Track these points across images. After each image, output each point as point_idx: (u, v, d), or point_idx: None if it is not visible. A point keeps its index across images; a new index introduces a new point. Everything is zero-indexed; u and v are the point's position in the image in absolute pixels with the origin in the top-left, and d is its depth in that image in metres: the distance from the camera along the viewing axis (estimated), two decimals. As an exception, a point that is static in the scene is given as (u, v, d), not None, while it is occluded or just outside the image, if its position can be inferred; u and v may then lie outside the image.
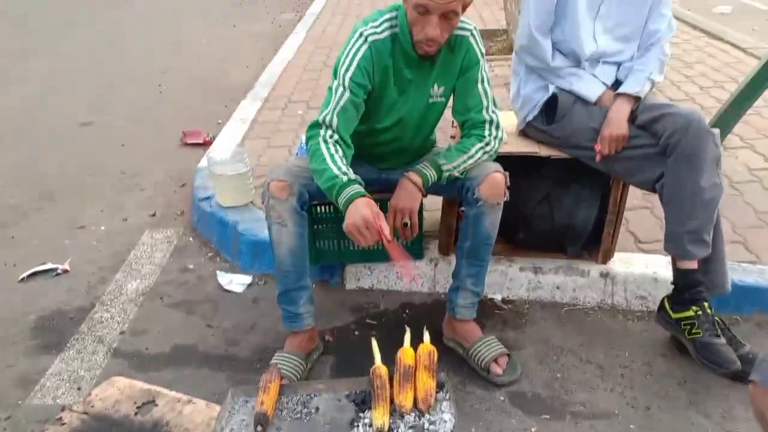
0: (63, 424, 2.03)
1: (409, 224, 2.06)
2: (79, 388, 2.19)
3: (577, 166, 2.39)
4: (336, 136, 1.97)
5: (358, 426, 1.66)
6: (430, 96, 2.12)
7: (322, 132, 1.96)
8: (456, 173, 2.09)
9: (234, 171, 2.94)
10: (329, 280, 2.69)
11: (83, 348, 2.38)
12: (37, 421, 2.05)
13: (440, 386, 1.76)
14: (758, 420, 1.42)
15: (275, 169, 2.12)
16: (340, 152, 1.94)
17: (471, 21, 2.08)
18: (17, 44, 6.75)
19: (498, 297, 2.57)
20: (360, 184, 1.88)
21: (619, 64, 2.37)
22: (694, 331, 2.10)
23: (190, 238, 3.09)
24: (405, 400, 1.68)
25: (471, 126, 2.12)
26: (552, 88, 2.36)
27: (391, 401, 1.70)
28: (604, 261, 2.54)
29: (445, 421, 1.64)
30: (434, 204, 2.64)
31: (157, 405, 2.08)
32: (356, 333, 2.41)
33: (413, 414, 1.67)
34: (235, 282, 2.72)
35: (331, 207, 2.42)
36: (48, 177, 3.74)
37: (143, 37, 7.11)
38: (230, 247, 2.89)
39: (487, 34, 5.97)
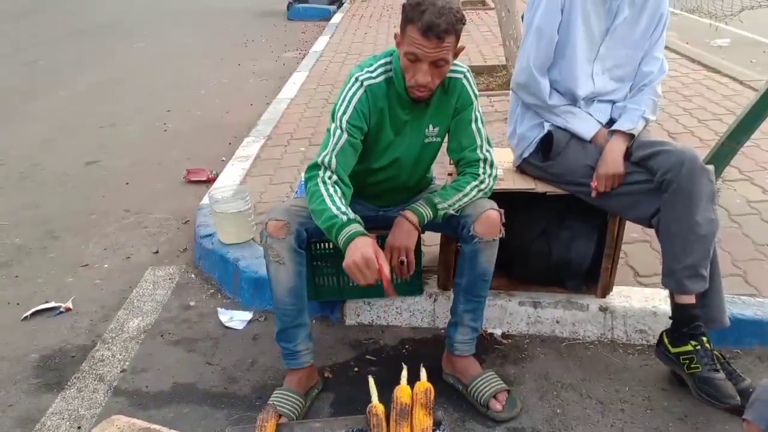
0: (62, 464, 2.03)
1: (405, 262, 2.08)
2: (79, 428, 2.19)
3: (574, 202, 2.41)
4: (335, 177, 2.00)
5: (354, 464, 1.67)
6: (425, 136, 2.16)
7: (320, 173, 2.00)
8: (451, 211, 2.12)
9: (235, 209, 2.98)
10: (329, 316, 2.70)
11: (84, 386, 2.39)
12: (37, 461, 2.05)
13: (437, 424, 1.77)
14: None
15: (274, 208, 2.15)
16: (339, 192, 1.97)
17: (464, 63, 2.14)
18: (25, 85, 6.87)
19: (498, 332, 2.57)
20: (359, 223, 1.91)
21: (613, 103, 2.41)
22: (693, 365, 2.10)
23: (192, 275, 3.11)
24: (402, 438, 1.69)
25: (465, 164, 2.16)
26: (547, 126, 2.40)
27: (388, 439, 1.71)
28: (603, 295, 2.54)
29: (442, 459, 1.64)
30: (433, 240, 2.67)
31: (156, 444, 2.09)
32: (356, 369, 2.41)
33: (410, 452, 1.67)
34: (236, 318, 2.73)
35: (330, 244, 2.44)
36: (52, 216, 3.78)
37: (148, 78, 7.23)
38: (231, 283, 2.91)
39: (488, 70, 6.07)
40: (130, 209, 3.86)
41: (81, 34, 9.95)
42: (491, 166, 2.16)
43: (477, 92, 2.16)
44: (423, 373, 1.84)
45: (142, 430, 2.12)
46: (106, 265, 3.25)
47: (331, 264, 2.51)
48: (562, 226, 2.49)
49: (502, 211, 2.11)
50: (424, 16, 1.86)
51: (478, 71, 6.02)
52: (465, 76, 2.12)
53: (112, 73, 7.45)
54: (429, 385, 1.81)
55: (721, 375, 2.08)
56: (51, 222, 3.71)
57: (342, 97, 2.05)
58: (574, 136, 2.36)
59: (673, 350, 2.16)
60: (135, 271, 3.17)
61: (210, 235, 3.13)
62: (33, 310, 2.84)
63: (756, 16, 5.02)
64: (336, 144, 2.02)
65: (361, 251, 1.81)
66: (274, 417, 1.81)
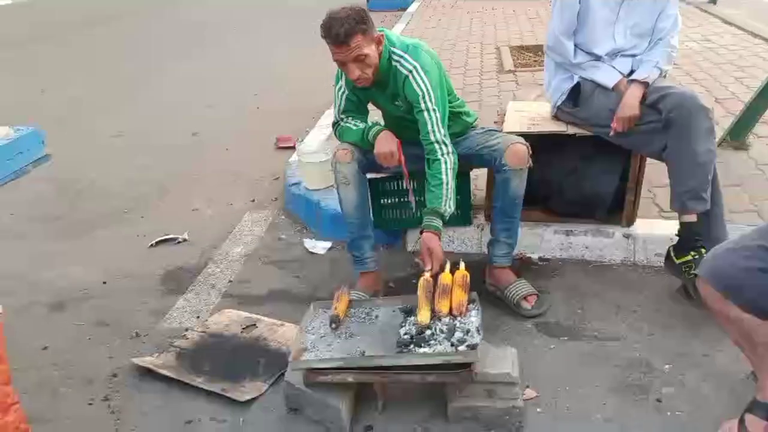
0: (187, 339, 2.67)
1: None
2: (198, 317, 2.82)
3: (601, 143, 2.84)
4: (348, 118, 2.70)
5: (404, 325, 2.20)
6: (397, 105, 2.64)
7: (340, 123, 2.73)
8: (451, 205, 2.51)
9: (318, 159, 3.57)
10: (394, 243, 3.25)
11: (200, 291, 3.02)
12: (168, 338, 2.68)
13: (471, 301, 2.27)
14: (708, 308, 1.86)
15: (341, 143, 2.72)
16: (357, 120, 2.68)
17: (414, 61, 2.51)
18: (135, 74, 7.76)
19: (535, 256, 3.04)
20: (380, 124, 2.59)
21: (634, 56, 2.82)
22: (692, 272, 2.51)
23: (283, 217, 3.73)
24: (443, 307, 2.20)
25: (426, 145, 2.54)
26: (576, 78, 2.85)
27: (432, 311, 2.22)
28: (628, 224, 2.96)
29: (472, 321, 2.14)
30: (480, 186, 3.16)
31: (257, 327, 2.70)
32: (413, 281, 2.90)
33: (449, 317, 2.18)
34: (318, 246, 3.32)
35: (394, 184, 3.00)
36: (165, 175, 4.47)
37: (239, 67, 7.96)
38: (314, 220, 3.51)
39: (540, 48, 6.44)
40: (230, 170, 4.52)
41: (178, 30, 10.88)
42: (445, 144, 2.52)
43: (427, 84, 2.49)
44: (461, 264, 2.34)
45: (247, 318, 2.75)
46: (211, 210, 3.91)
47: (394, 201, 3.06)
48: (591, 164, 2.93)
49: (527, 144, 2.58)
50: (329, 31, 2.35)
51: (536, 50, 6.40)
52: (411, 73, 2.50)
53: (208, 62, 8.24)
54: (466, 272, 2.30)
55: (716, 279, 2.47)
56: (165, 179, 4.40)
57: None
58: (599, 86, 2.78)
59: (677, 260, 2.58)
60: (235, 215, 3.81)
61: (297, 183, 3.74)
62: (157, 239, 3.52)
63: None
64: (340, 102, 2.74)
65: (388, 146, 2.56)
66: (347, 292, 2.37)
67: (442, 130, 2.53)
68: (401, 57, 2.51)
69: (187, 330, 2.71)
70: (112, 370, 2.48)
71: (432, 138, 2.52)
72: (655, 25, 2.77)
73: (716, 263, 1.79)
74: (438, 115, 2.51)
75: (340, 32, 2.34)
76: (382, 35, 2.49)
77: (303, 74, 7.11)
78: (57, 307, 2.95)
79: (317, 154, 3.62)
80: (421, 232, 2.46)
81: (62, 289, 3.09)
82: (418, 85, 2.50)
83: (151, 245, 3.50)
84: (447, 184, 2.49)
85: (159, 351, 2.58)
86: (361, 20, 2.38)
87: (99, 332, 2.74)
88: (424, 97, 2.50)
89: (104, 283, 3.14)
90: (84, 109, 6.27)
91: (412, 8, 10.40)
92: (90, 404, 2.31)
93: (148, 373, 2.44)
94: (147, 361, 2.50)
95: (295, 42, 8.80)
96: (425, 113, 2.51)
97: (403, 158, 2.59)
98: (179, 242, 3.52)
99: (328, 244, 3.34)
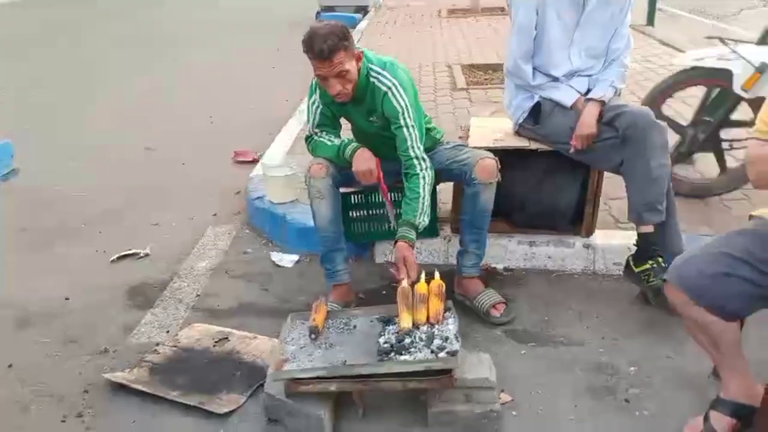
0: (158, 353, 2.65)
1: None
2: (167, 331, 2.79)
3: (562, 158, 2.97)
4: (322, 132, 2.74)
5: (384, 334, 2.25)
6: (370, 122, 2.72)
7: (314, 137, 2.75)
8: (426, 218, 2.59)
9: (284, 173, 3.59)
10: (362, 255, 3.30)
11: (168, 306, 3.00)
12: (138, 353, 2.65)
13: (447, 309, 2.34)
14: (678, 312, 1.97)
15: (315, 158, 2.76)
16: (332, 135, 2.72)
17: (393, 78, 2.58)
18: (89, 87, 7.63)
19: (500, 266, 3.14)
20: (354, 141, 2.65)
21: (590, 76, 2.97)
22: (650, 279, 2.65)
23: (247, 231, 3.73)
24: (420, 316, 2.26)
25: (406, 161, 2.62)
26: (536, 97, 2.97)
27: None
28: (587, 235, 3.10)
29: (449, 328, 2.21)
30: (446, 198, 3.24)
31: (229, 340, 2.70)
32: (384, 293, 3.00)
33: (426, 326, 2.24)
34: (285, 259, 3.34)
35: (362, 197, 3.06)
36: (127, 188, 4.41)
37: (197, 80, 7.91)
38: (280, 233, 3.52)
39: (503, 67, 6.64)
40: (189, 184, 4.49)
41: (137, 42, 10.75)
42: (424, 160, 2.61)
43: (406, 101, 2.57)
44: (437, 274, 2.41)
45: (218, 332, 2.75)
46: (174, 224, 3.87)
47: (364, 214, 3.11)
48: (552, 179, 3.06)
49: (496, 158, 2.68)
50: (312, 45, 2.41)
51: (495, 68, 6.59)
52: (390, 90, 2.57)
53: (167, 75, 8.17)
54: (441, 282, 2.37)
55: (673, 286, 2.61)
56: (126, 193, 4.33)
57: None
58: (558, 104, 2.91)
59: (636, 269, 2.71)
60: (198, 229, 3.78)
61: (260, 197, 3.75)
62: (119, 254, 3.47)
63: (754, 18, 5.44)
64: (314, 117, 2.75)
65: (367, 163, 2.60)
66: (324, 304, 2.41)
67: (421, 146, 2.61)
68: (379, 74, 2.58)
69: (157, 345, 2.68)
70: (84, 387, 2.44)
71: (411, 153, 2.59)
72: (609, 46, 2.93)
73: (684, 270, 1.90)
74: (416, 131, 2.59)
75: (324, 48, 2.39)
76: (362, 52, 2.56)
77: (256, 88, 7.13)
78: (22, 323, 2.89)
79: (282, 167, 3.64)
80: (396, 243, 2.52)
81: (26, 304, 3.02)
82: (398, 102, 2.57)
83: (113, 260, 3.45)
84: (424, 198, 2.57)
85: (130, 366, 2.54)
86: (343, 37, 2.44)
87: (67, 349, 2.69)
88: (403, 114, 2.57)
89: (67, 299, 3.07)
90: (46, 122, 6.16)
91: (361, 26, 10.55)
92: (63, 422, 2.27)
93: (120, 388, 2.41)
94: (119, 376, 2.47)
95: (247, 56, 8.81)
96: (405, 129, 2.58)
97: (381, 175, 2.65)
98: (141, 257, 3.48)
99: (296, 257, 3.36)
